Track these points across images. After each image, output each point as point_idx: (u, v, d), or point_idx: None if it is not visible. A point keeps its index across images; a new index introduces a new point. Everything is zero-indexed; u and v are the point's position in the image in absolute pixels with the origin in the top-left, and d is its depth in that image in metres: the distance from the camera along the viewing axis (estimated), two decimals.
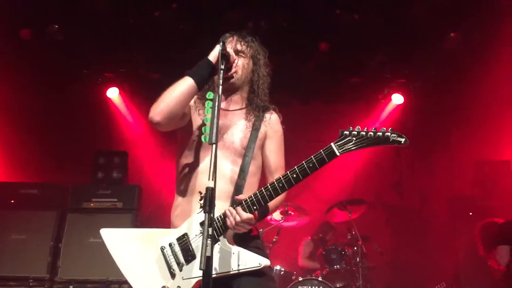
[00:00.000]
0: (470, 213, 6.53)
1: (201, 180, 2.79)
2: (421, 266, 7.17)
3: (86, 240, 5.98)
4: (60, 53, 6.78)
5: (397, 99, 7.60)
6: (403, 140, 2.52)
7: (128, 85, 7.54)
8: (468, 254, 6.29)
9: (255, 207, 2.59)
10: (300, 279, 5.59)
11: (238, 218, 2.57)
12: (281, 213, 6.24)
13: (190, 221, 2.71)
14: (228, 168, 2.84)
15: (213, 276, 2.45)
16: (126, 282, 5.71)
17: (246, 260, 2.61)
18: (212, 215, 2.30)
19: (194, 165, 2.88)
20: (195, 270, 2.61)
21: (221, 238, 2.64)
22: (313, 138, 7.99)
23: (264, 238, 5.81)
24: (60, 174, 6.97)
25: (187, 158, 2.92)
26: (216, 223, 2.62)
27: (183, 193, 2.89)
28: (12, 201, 6.21)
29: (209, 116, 2.61)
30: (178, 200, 2.91)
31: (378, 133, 2.53)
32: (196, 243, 2.65)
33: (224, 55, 2.72)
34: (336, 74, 7.46)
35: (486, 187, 6.71)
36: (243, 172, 2.83)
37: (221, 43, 2.73)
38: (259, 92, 3.06)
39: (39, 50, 6.64)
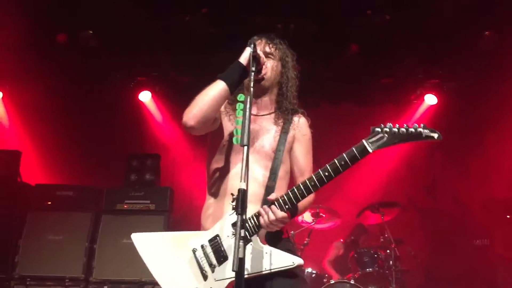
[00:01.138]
0: (508, 216, 6.37)
1: (233, 182, 2.80)
2: (455, 270, 7.02)
3: (120, 241, 6.08)
4: (94, 58, 6.93)
5: (430, 99, 7.46)
6: (436, 135, 2.46)
7: (160, 88, 7.65)
8: (505, 258, 6.13)
9: (287, 206, 2.59)
10: (332, 281, 5.55)
11: (272, 217, 2.56)
12: (312, 215, 6.22)
13: (221, 222, 2.72)
14: (259, 171, 2.85)
15: (246, 276, 2.44)
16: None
17: (279, 259, 2.59)
18: (244, 216, 2.31)
19: (226, 168, 2.89)
20: (227, 271, 2.62)
21: (253, 238, 2.64)
22: (344, 140, 7.91)
23: (295, 240, 5.79)
24: (95, 177, 7.11)
25: (218, 162, 2.93)
26: (249, 223, 2.63)
27: (215, 195, 2.91)
28: (49, 203, 6.37)
29: (240, 118, 2.62)
30: (209, 202, 2.93)
31: (411, 129, 2.48)
32: (228, 244, 2.65)
33: (255, 57, 2.74)
34: (367, 75, 7.39)
35: None
36: (273, 174, 2.84)
37: (251, 45, 2.75)
38: (287, 95, 3.05)
39: (74, 55, 6.81)
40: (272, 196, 2.64)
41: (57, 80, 7.20)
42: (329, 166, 2.57)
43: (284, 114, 3.01)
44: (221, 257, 2.67)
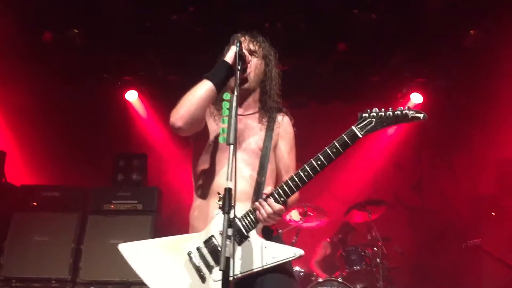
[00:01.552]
0: (493, 213, 6.43)
1: (219, 181, 2.79)
2: (442, 267, 7.08)
3: (107, 242, 6.04)
4: (79, 57, 6.87)
5: (416, 98, 7.51)
6: (421, 115, 2.53)
7: (147, 88, 7.61)
8: (491, 256, 6.18)
9: (282, 199, 2.59)
10: (320, 280, 5.57)
11: (269, 210, 2.56)
12: (300, 214, 6.23)
13: (215, 222, 2.69)
14: (246, 169, 2.85)
15: (248, 272, 2.52)
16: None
17: (280, 252, 2.58)
18: (231, 215, 2.30)
19: (212, 168, 2.88)
20: None
21: (251, 233, 2.63)
22: (332, 138, 7.91)
23: (283, 239, 5.78)
24: (81, 177, 7.06)
25: (205, 162, 2.93)
26: (246, 219, 2.64)
27: (203, 196, 2.90)
28: (35, 204, 6.31)
29: (226, 117, 2.61)
30: (197, 202, 2.92)
31: (397, 112, 2.54)
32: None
33: (241, 56, 2.73)
34: (354, 74, 7.43)
35: (508, 186, 6.61)
36: (262, 170, 2.85)
37: (237, 43, 2.74)
38: (271, 94, 3.08)
39: (59, 54, 6.74)
40: (268, 190, 2.64)
41: (42, 80, 7.12)
42: (320, 154, 2.60)
43: (268, 113, 3.04)
44: (218, 256, 2.61)
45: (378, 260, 5.84)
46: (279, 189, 2.61)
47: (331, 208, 6.57)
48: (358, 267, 5.90)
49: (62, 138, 7.52)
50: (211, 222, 2.71)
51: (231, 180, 2.34)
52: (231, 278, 2.42)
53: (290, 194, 2.61)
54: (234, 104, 2.55)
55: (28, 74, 6.93)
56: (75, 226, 6.17)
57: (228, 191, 2.33)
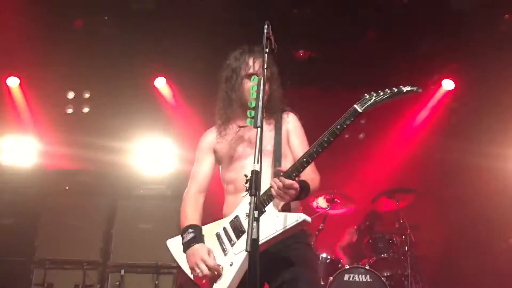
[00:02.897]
0: None
1: (243, 173, 2.84)
2: (472, 257, 6.95)
3: (136, 226, 6.16)
4: (109, 44, 6.96)
5: (448, 84, 7.35)
6: (415, 88, 2.78)
7: (175, 74, 7.65)
8: None
9: (294, 174, 2.71)
10: (347, 267, 5.55)
11: (280, 184, 2.66)
12: (327, 201, 6.21)
13: (241, 204, 2.90)
14: (264, 168, 2.83)
15: (265, 239, 2.66)
16: (175, 267, 5.92)
17: (288, 218, 2.73)
18: (258, 197, 2.33)
19: (236, 173, 3.08)
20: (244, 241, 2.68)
21: (267, 207, 2.78)
22: (360, 125, 7.86)
23: (310, 225, 5.79)
24: (112, 163, 7.18)
25: (231, 170, 3.13)
26: (264, 195, 2.76)
27: (231, 193, 3.10)
28: (67, 188, 6.46)
29: (254, 99, 2.63)
30: (228, 199, 3.16)
31: (393, 88, 2.82)
32: (246, 221, 2.67)
33: (268, 38, 2.74)
34: (383, 61, 7.31)
35: None
36: (277, 162, 3.01)
37: (265, 26, 2.75)
38: (275, 96, 3.27)
39: (89, 40, 6.85)
40: (280, 168, 2.80)
41: (71, 67, 7.26)
42: (327, 132, 2.77)
43: (274, 114, 3.22)
44: (239, 232, 2.85)
45: (406, 248, 5.78)
46: (291, 166, 2.74)
47: (359, 196, 6.52)
48: (385, 254, 5.85)
49: (93, 125, 7.66)
50: (239, 205, 2.92)
51: (258, 163, 2.36)
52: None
53: (301, 170, 2.72)
54: (261, 87, 2.59)
55: (60, 61, 7.07)
56: (105, 210, 6.30)
57: (255, 173, 2.35)
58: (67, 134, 7.41)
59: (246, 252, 2.47)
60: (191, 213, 3.12)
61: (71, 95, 7.67)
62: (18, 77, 7.50)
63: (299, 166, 2.72)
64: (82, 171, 6.73)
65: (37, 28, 6.55)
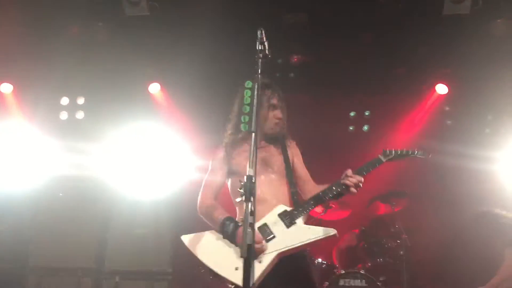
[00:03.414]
0: None
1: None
2: (470, 262, 6.95)
3: (131, 232, 6.14)
4: (103, 50, 6.96)
5: (441, 89, 7.39)
6: (424, 156, 3.76)
7: (170, 80, 7.64)
8: None
9: (364, 172, 3.58)
10: (342, 272, 5.55)
11: (356, 180, 3.45)
12: (321, 206, 6.20)
13: (268, 215, 3.34)
14: (280, 189, 3.54)
15: (292, 246, 3.20)
16: (170, 273, 5.91)
17: (319, 231, 3.29)
18: (252, 204, 2.36)
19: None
20: (272, 245, 3.19)
21: (298, 220, 3.31)
22: (355, 130, 7.89)
23: None
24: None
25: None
26: (298, 208, 3.37)
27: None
28: (61, 194, 6.44)
29: (248, 105, 2.65)
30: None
31: (409, 151, 3.79)
32: (276, 228, 3.28)
33: (263, 43, 2.75)
34: (378, 66, 7.34)
35: None
36: (291, 183, 3.58)
37: (259, 32, 2.76)
38: (286, 129, 3.82)
39: (83, 46, 6.85)
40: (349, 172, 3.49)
41: (65, 71, 7.25)
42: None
43: (281, 140, 3.77)
44: (268, 234, 3.26)
45: (401, 252, 5.78)
46: (359, 168, 3.57)
47: (353, 200, 6.50)
48: (381, 259, 5.86)
49: (86, 131, 7.63)
50: (269, 213, 3.35)
51: (252, 167, 2.37)
52: (275, 253, 3.16)
53: (371, 169, 3.65)
54: (255, 92, 2.63)
55: (53, 67, 7.06)
56: (100, 216, 6.28)
57: (249, 178, 2.35)
58: (61, 140, 7.38)
59: (275, 252, 3.15)
60: (219, 209, 3.42)
61: (65, 101, 7.63)
62: (11, 84, 7.46)
63: (370, 166, 3.64)
64: (76, 177, 6.69)
65: (30, 34, 6.53)
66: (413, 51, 6.98)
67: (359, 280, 5.45)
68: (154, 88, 7.58)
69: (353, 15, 6.28)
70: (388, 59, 7.15)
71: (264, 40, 2.80)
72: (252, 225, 2.26)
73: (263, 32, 2.82)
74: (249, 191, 2.33)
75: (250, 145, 2.48)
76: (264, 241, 3.20)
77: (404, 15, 6.19)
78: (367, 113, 7.78)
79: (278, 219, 3.32)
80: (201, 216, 3.52)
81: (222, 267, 3.16)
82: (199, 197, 3.59)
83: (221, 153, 3.67)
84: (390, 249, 5.92)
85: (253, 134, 2.50)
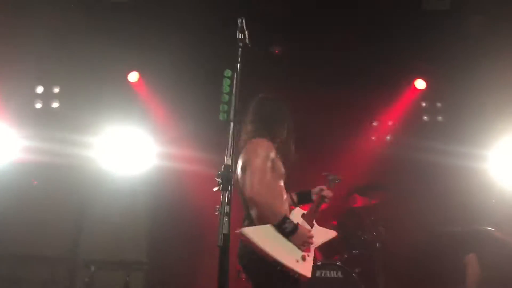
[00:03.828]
0: (493, 200, 6.42)
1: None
2: (443, 253, 7.08)
3: (107, 221, 6.10)
4: (80, 37, 6.85)
5: (420, 84, 7.48)
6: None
7: (149, 69, 7.55)
8: None
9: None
10: (319, 263, 5.58)
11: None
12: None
13: (293, 213, 3.65)
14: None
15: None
16: (146, 263, 5.88)
17: (329, 233, 3.96)
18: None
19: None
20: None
21: (314, 222, 3.76)
22: (335, 123, 7.94)
23: None
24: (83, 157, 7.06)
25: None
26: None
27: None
28: (36, 182, 6.34)
29: (226, 94, 2.64)
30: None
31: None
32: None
33: (243, 32, 2.74)
34: (358, 60, 7.38)
35: None
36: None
37: (239, 21, 2.75)
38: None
39: (59, 33, 6.73)
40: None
41: (42, 60, 7.12)
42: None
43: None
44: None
45: (377, 244, 5.85)
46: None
47: (333, 193, 6.54)
48: (357, 251, 5.91)
49: (64, 119, 7.52)
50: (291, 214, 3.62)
51: (230, 157, 2.37)
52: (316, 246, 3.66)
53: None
54: (234, 81, 2.61)
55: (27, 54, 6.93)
56: (76, 205, 6.21)
57: (227, 167, 2.35)
58: (36, 128, 7.25)
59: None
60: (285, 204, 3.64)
61: (40, 89, 7.48)
62: None
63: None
64: (51, 165, 6.59)
65: (4, 21, 6.38)
66: (392, 46, 7.03)
67: (335, 272, 5.49)
68: (133, 77, 7.48)
69: (334, 10, 6.30)
70: (368, 53, 7.20)
71: (244, 29, 2.79)
72: (228, 215, 2.26)
73: (243, 21, 2.80)
74: (226, 180, 2.32)
75: (229, 135, 2.47)
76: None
77: (385, 10, 6.22)
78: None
79: (303, 220, 3.64)
80: (255, 200, 3.32)
81: (287, 259, 3.33)
82: (258, 182, 3.35)
83: (273, 151, 3.61)
84: (366, 241, 5.98)
85: (232, 123, 2.49)
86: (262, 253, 3.22)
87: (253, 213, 3.38)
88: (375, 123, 7.84)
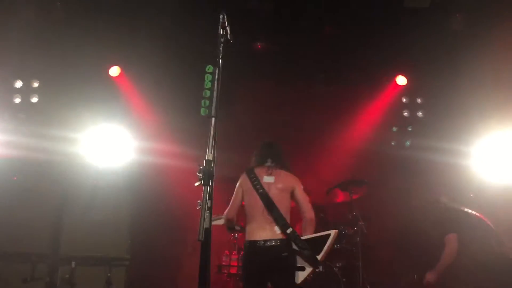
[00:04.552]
0: (471, 195, 6.53)
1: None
2: (422, 247, 7.19)
3: (88, 217, 6.04)
4: (63, 31, 6.75)
5: (401, 80, 7.55)
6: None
7: (131, 64, 7.49)
8: None
9: None
10: None
11: None
12: None
13: None
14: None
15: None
16: (128, 259, 5.85)
17: None
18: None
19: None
20: None
21: None
22: (317, 119, 7.99)
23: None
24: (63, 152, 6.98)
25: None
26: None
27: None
28: (15, 178, 6.25)
29: (208, 89, 2.64)
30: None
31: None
32: None
33: (225, 29, 2.73)
34: (340, 55, 7.42)
35: None
36: None
37: (221, 16, 2.74)
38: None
39: (39, 27, 6.62)
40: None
41: (21, 54, 7.00)
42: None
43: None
44: None
45: (358, 239, 5.91)
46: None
47: (314, 188, 6.59)
48: (338, 245, 5.96)
49: (43, 112, 7.41)
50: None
51: (211, 152, 2.37)
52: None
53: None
54: (216, 77, 2.60)
55: (5, 47, 6.80)
56: (55, 201, 6.13)
57: (208, 162, 2.35)
58: (15, 123, 7.14)
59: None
60: None
61: (18, 84, 7.36)
62: None
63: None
64: (31, 160, 6.50)
65: None
66: (374, 43, 7.07)
67: None
68: (115, 71, 7.40)
69: (316, 5, 6.31)
70: (349, 50, 7.24)
71: (226, 24, 2.78)
72: (210, 209, 2.26)
73: (225, 16, 2.79)
74: (208, 175, 2.32)
75: (210, 130, 2.46)
76: None
77: (366, 7, 6.25)
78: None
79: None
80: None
81: None
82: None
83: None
84: (347, 235, 6.04)
85: (213, 119, 2.48)
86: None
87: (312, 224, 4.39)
88: (394, 129, 7.85)
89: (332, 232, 4.33)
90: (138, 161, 7.08)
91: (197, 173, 2.67)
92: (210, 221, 2.25)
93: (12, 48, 6.85)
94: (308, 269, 4.06)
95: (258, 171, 4.27)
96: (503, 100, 6.82)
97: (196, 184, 2.70)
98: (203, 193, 2.29)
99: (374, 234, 6.33)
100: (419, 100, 7.76)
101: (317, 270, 5.46)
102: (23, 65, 7.24)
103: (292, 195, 4.38)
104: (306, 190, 6.33)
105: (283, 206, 4.12)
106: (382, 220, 7.03)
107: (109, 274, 5.81)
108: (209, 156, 2.37)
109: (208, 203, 2.27)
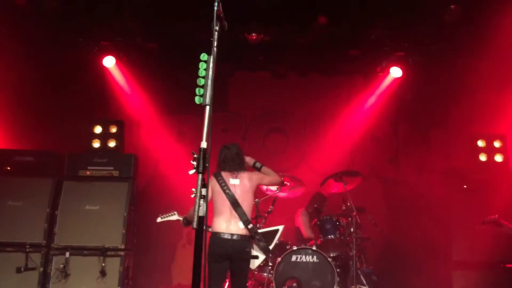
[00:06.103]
0: (465, 186, 6.57)
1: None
2: (414, 238, 7.25)
3: (82, 208, 6.04)
4: (55, 22, 6.68)
5: (396, 72, 7.54)
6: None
7: (125, 54, 7.44)
8: (461, 227, 6.35)
9: None
10: (295, 248, 5.64)
11: None
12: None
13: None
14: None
15: None
16: (121, 249, 5.88)
17: None
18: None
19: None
20: None
21: None
22: (311, 110, 8.00)
23: (259, 207, 5.85)
24: (57, 144, 6.96)
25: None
26: None
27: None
28: (8, 168, 6.23)
29: (203, 78, 2.61)
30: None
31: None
32: None
33: (218, 16, 2.71)
34: (334, 47, 7.40)
35: (480, 161, 6.77)
36: None
37: (215, 4, 2.72)
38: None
39: (34, 18, 6.55)
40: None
41: (18, 45, 6.93)
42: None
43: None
44: None
45: (351, 229, 5.93)
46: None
47: (308, 179, 6.61)
48: (332, 236, 5.98)
49: (39, 104, 7.37)
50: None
51: (206, 140, 2.36)
52: None
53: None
54: (210, 65, 2.58)
55: (2, 41, 6.74)
56: (50, 191, 6.13)
57: (203, 151, 2.34)
58: (8, 114, 7.11)
59: None
60: None
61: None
62: None
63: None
64: (24, 151, 6.49)
65: None
66: (369, 34, 7.06)
67: (311, 256, 5.58)
68: (109, 61, 7.35)
69: None
70: (343, 40, 7.22)
71: (221, 12, 2.76)
72: (204, 198, 2.26)
73: (220, 4, 2.77)
74: (202, 163, 2.31)
75: (204, 118, 2.46)
76: None
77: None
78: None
79: None
80: None
81: None
82: None
83: None
84: (341, 226, 6.06)
85: (207, 107, 2.47)
86: None
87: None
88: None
89: (281, 227, 5.20)
90: (133, 150, 7.08)
91: (191, 161, 2.67)
92: (206, 209, 2.26)
93: (5, 38, 6.80)
94: (261, 257, 4.82)
95: (224, 174, 4.65)
96: None
97: (191, 172, 2.70)
98: (197, 181, 2.29)
99: (368, 224, 6.36)
100: (413, 91, 7.80)
101: (311, 260, 5.59)
102: (16, 55, 7.17)
103: (259, 183, 4.89)
104: (299, 181, 6.41)
105: (246, 205, 4.58)
106: (376, 211, 7.08)
107: (103, 264, 5.82)
108: (204, 144, 2.37)
109: (203, 191, 2.27)
